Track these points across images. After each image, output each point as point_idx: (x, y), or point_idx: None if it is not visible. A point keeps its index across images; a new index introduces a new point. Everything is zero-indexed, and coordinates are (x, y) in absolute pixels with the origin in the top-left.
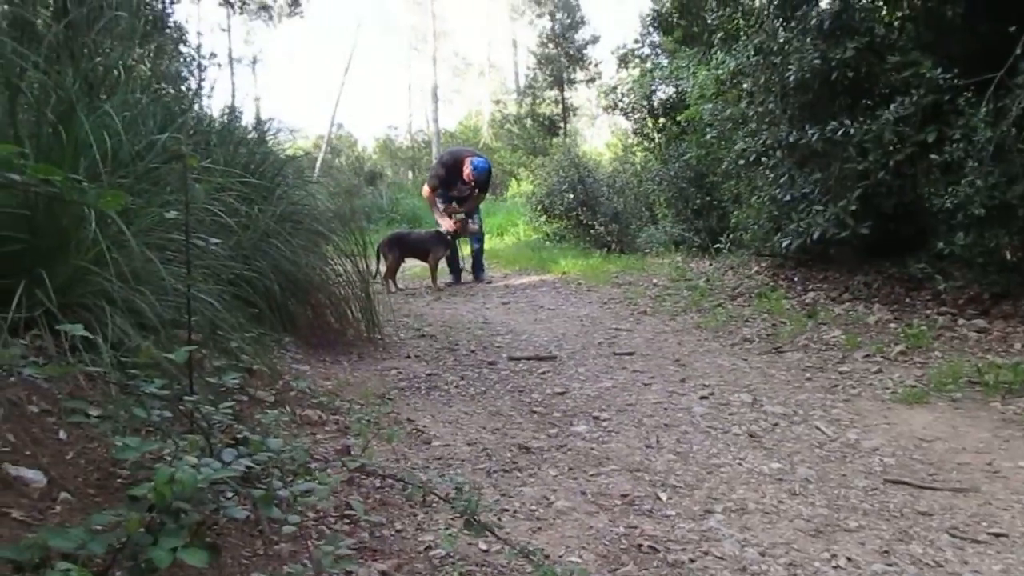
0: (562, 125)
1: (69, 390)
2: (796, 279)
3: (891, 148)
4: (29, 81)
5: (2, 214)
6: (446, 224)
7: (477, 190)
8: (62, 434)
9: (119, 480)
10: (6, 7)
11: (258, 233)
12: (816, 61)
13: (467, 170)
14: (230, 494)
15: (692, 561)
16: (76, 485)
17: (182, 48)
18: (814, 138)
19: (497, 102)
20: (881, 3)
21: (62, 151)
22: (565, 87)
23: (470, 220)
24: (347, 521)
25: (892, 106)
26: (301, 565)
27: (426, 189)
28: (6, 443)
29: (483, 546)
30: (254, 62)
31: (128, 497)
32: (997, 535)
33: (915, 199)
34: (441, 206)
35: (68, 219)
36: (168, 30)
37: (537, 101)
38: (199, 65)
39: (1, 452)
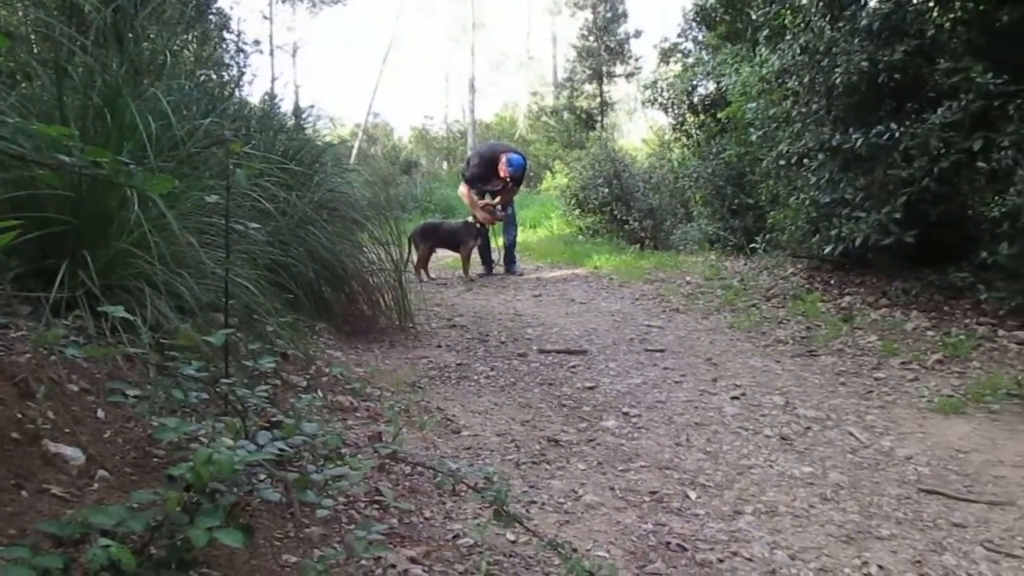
0: (599, 119)
1: (109, 370)
2: (832, 282)
3: (937, 154)
4: (76, 64)
5: (48, 196)
6: (482, 217)
7: (511, 183)
8: (101, 413)
9: (155, 460)
10: None
11: (295, 219)
12: (863, 63)
13: (503, 167)
14: (263, 476)
15: (721, 561)
16: (114, 463)
17: (225, 35)
18: (858, 142)
19: (534, 94)
20: (932, 5)
21: (107, 134)
22: (604, 81)
23: (499, 207)
24: (376, 507)
25: (939, 111)
26: (333, 548)
27: (463, 188)
28: (47, 420)
29: (511, 537)
30: (295, 50)
31: (166, 476)
32: None
33: (959, 207)
34: (475, 198)
35: (112, 202)
36: (212, 16)
37: (575, 94)
38: (241, 51)
39: (42, 429)
